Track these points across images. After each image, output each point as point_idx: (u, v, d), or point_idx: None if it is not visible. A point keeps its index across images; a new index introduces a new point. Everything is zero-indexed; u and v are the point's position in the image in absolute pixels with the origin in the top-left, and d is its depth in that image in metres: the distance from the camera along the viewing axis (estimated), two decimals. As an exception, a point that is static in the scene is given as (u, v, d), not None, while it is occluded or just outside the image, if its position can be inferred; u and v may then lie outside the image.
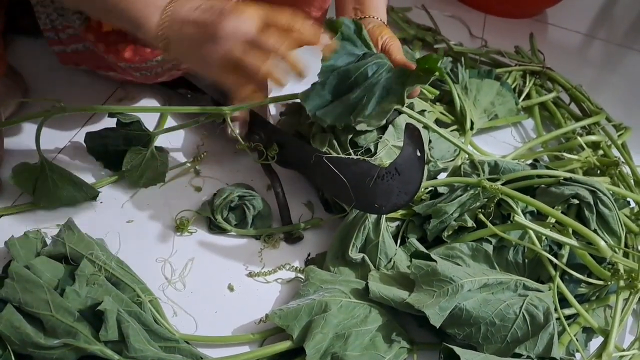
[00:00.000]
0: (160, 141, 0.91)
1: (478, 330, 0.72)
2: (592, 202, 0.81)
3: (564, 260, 0.81)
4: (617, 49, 1.72)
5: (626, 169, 1.08)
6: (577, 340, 0.79)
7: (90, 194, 0.86)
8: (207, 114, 0.84)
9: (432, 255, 0.77)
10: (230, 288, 0.82)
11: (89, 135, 0.92)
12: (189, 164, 0.96)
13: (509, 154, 1.09)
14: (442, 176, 1.00)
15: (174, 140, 0.98)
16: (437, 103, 1.14)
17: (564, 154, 1.07)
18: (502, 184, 0.85)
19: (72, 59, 0.97)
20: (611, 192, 0.87)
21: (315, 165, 0.82)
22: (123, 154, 0.88)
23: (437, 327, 0.71)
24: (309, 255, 0.88)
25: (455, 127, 1.10)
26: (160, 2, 0.67)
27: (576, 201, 0.82)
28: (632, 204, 1.01)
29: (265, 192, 0.94)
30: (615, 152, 1.14)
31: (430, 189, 0.92)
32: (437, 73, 0.73)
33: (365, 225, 0.82)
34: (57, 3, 0.87)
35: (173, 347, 0.70)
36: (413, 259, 0.78)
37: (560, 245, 0.82)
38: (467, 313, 0.72)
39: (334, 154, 0.85)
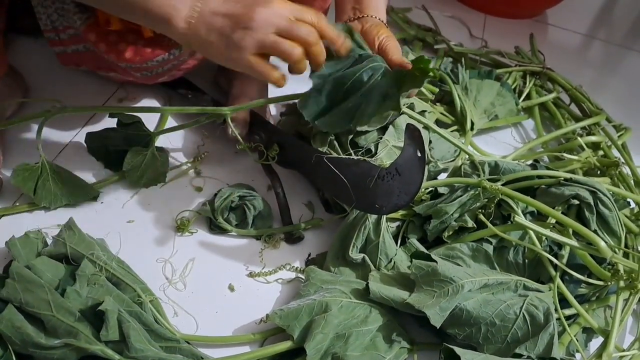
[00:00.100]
0: (160, 141, 0.91)
1: (478, 330, 0.72)
2: (592, 203, 0.81)
3: (564, 260, 0.81)
4: (617, 50, 1.72)
5: (626, 170, 1.08)
6: (577, 341, 0.79)
7: (90, 194, 0.86)
8: (207, 114, 0.84)
9: (433, 256, 0.77)
10: (231, 288, 0.82)
11: (89, 136, 0.92)
12: (189, 164, 0.96)
13: (509, 155, 1.09)
14: (443, 176, 1.00)
15: (174, 141, 0.98)
16: (438, 103, 1.14)
17: (564, 154, 1.07)
18: (503, 185, 0.85)
19: (73, 60, 0.98)
20: (611, 192, 0.87)
21: (315, 165, 0.82)
22: (124, 154, 0.88)
23: (438, 328, 0.71)
24: (309, 255, 0.88)
25: (455, 127, 1.10)
26: None
27: (576, 202, 0.82)
28: (632, 205, 1.01)
29: (266, 193, 0.94)
30: (615, 152, 1.14)
31: (430, 189, 0.92)
32: (431, 74, 0.73)
33: (365, 226, 0.82)
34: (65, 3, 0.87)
35: (174, 347, 0.70)
36: (413, 260, 0.78)
37: (560, 245, 0.82)
38: (467, 313, 0.72)
39: (335, 154, 0.85)
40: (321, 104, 0.80)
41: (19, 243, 0.72)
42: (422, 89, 1.09)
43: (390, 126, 0.89)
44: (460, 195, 0.86)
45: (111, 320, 0.65)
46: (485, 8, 1.65)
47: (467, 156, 0.99)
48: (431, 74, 0.72)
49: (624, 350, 0.82)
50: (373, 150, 0.87)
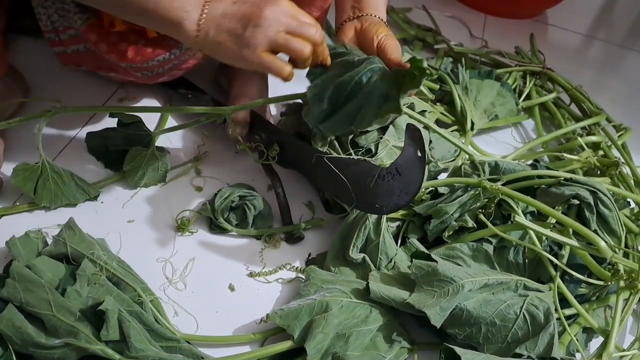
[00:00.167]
0: (161, 141, 0.91)
1: (479, 330, 0.72)
2: (592, 203, 0.81)
3: (564, 260, 0.81)
4: (617, 50, 1.72)
5: (626, 170, 1.08)
6: (577, 341, 0.79)
7: (91, 194, 0.86)
8: (208, 114, 0.84)
9: (433, 256, 0.77)
10: (231, 288, 0.82)
11: (89, 135, 0.92)
12: (189, 164, 0.96)
13: (509, 155, 1.09)
14: (443, 176, 1.00)
15: (174, 140, 0.98)
16: (438, 103, 1.14)
17: (564, 154, 1.07)
18: (503, 185, 0.85)
19: (73, 60, 0.98)
20: (611, 192, 0.87)
21: (316, 165, 0.82)
22: (124, 154, 0.88)
23: (438, 327, 0.71)
24: (309, 255, 0.88)
25: (455, 127, 1.10)
26: (195, 0, 0.70)
27: (576, 201, 0.82)
28: (632, 205, 1.01)
29: (266, 192, 0.94)
30: (615, 152, 1.14)
31: (430, 189, 0.92)
32: (427, 71, 0.73)
33: (365, 226, 0.82)
34: (69, 5, 0.88)
35: (174, 346, 0.70)
36: (414, 259, 0.78)
37: (560, 245, 0.82)
38: (467, 313, 0.72)
39: (335, 154, 0.85)
40: (324, 110, 0.80)
41: (19, 243, 0.72)
42: (423, 88, 1.09)
43: (391, 126, 0.89)
44: (461, 195, 0.86)
45: (111, 320, 0.65)
46: (486, 8, 1.65)
47: (467, 156, 0.99)
48: (428, 71, 0.72)
49: (624, 350, 0.82)
50: (373, 150, 0.87)
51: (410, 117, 0.84)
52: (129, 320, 0.66)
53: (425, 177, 0.82)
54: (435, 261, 0.75)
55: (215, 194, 0.88)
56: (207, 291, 0.81)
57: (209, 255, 0.85)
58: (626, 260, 0.79)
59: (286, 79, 0.72)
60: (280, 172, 0.92)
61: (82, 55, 0.96)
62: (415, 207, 0.88)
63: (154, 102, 1.05)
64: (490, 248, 0.83)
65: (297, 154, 0.89)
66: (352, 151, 0.86)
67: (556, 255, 0.81)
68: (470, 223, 0.84)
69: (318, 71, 0.79)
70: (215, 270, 0.83)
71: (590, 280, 0.81)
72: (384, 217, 0.82)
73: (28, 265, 0.69)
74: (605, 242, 0.75)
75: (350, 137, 0.88)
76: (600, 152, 1.14)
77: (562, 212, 0.82)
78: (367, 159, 0.82)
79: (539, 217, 0.85)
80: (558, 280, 0.79)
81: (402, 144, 0.78)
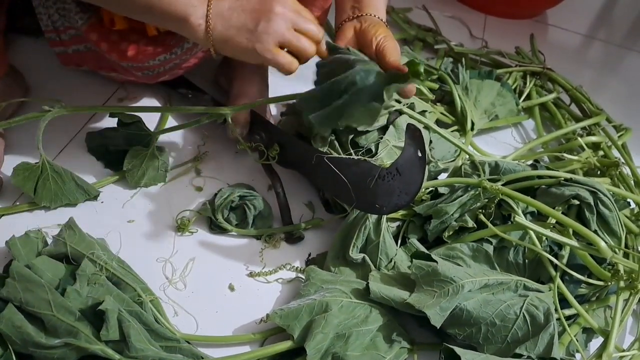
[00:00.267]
0: (161, 141, 0.91)
1: (479, 330, 0.72)
2: (592, 203, 0.81)
3: (564, 260, 0.81)
4: (617, 50, 1.72)
5: (626, 170, 1.08)
6: (577, 341, 0.79)
7: (91, 194, 0.86)
8: (208, 114, 0.84)
9: (433, 256, 0.77)
10: (231, 288, 0.82)
11: (89, 135, 0.93)
12: (189, 164, 0.96)
13: (509, 155, 1.09)
14: (443, 176, 1.00)
15: (174, 140, 0.98)
16: (438, 104, 1.14)
17: (565, 154, 1.07)
18: (503, 185, 0.85)
19: (74, 60, 0.97)
20: (611, 192, 0.87)
21: (316, 165, 0.82)
22: (124, 154, 0.88)
23: (438, 328, 0.71)
24: (309, 255, 0.88)
25: (455, 127, 1.10)
26: None
27: (576, 202, 0.82)
28: (633, 205, 1.01)
29: (266, 192, 0.94)
30: (615, 152, 1.14)
31: (430, 189, 0.92)
32: (421, 78, 0.72)
33: (366, 226, 0.82)
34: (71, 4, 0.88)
35: (174, 346, 0.70)
36: (414, 260, 0.78)
37: (560, 245, 0.82)
38: (467, 313, 0.72)
39: (335, 154, 0.85)
40: (316, 105, 0.79)
41: (19, 242, 0.72)
42: (423, 88, 1.09)
43: (391, 126, 0.89)
44: (461, 195, 0.86)
45: (111, 320, 0.65)
46: (486, 8, 1.65)
47: (467, 156, 0.99)
48: (421, 78, 0.72)
49: (623, 351, 0.82)
50: (373, 150, 0.88)
51: (411, 117, 0.84)
52: (129, 320, 0.66)
53: (426, 177, 0.82)
54: (435, 261, 0.75)
55: (215, 194, 0.88)
56: (207, 291, 0.81)
57: (209, 255, 0.85)
58: (626, 261, 0.79)
59: (290, 73, 0.74)
60: (280, 172, 0.92)
61: (82, 55, 0.96)
62: (415, 207, 0.88)
63: (154, 102, 1.05)
64: (490, 248, 0.83)
65: (297, 154, 0.89)
66: (352, 151, 0.86)
67: (556, 256, 0.81)
68: (470, 223, 0.84)
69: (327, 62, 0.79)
70: (215, 270, 0.83)
71: (590, 281, 0.81)
72: (384, 217, 0.82)
73: (28, 265, 0.69)
74: (605, 242, 0.75)
75: (351, 137, 0.87)
76: (601, 153, 1.14)
77: (562, 213, 0.82)
78: (367, 159, 0.82)
79: (539, 217, 0.85)
80: (558, 280, 0.79)
81: (402, 144, 0.78)
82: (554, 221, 0.81)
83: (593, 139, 1.13)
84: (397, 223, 0.90)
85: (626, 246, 0.91)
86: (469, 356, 0.69)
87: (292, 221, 0.90)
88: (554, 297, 0.77)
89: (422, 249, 0.85)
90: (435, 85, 1.13)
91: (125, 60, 0.86)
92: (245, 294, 0.82)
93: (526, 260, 0.83)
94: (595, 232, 0.80)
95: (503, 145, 1.17)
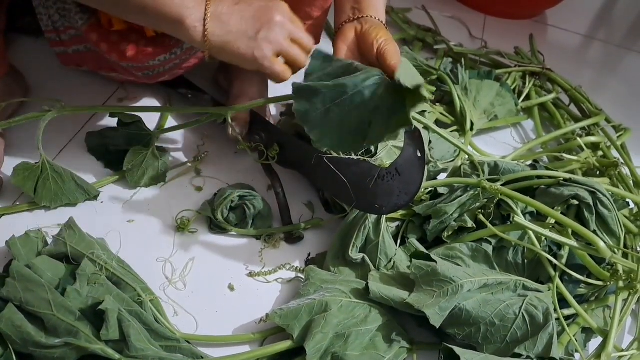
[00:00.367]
0: (161, 141, 0.91)
1: (478, 330, 0.73)
2: (591, 203, 0.81)
3: (564, 260, 0.81)
4: (617, 50, 1.72)
5: (625, 170, 1.08)
6: (576, 341, 0.79)
7: (91, 194, 0.86)
8: (208, 114, 0.84)
9: (432, 256, 0.78)
10: (231, 288, 0.82)
11: (89, 135, 0.93)
12: (189, 164, 0.96)
13: (508, 155, 1.09)
14: (442, 177, 1.00)
15: (174, 140, 0.98)
16: (437, 104, 1.14)
17: (564, 154, 1.08)
18: (502, 185, 0.85)
19: (74, 60, 0.98)
20: (610, 193, 0.87)
21: (315, 165, 0.82)
22: (124, 154, 0.88)
23: (437, 327, 0.71)
24: (309, 255, 0.88)
25: (455, 127, 1.10)
26: None
27: (576, 202, 0.82)
28: (632, 205, 1.01)
29: (266, 192, 0.94)
30: (614, 153, 1.14)
31: (430, 189, 0.92)
32: (424, 100, 0.71)
33: (365, 226, 0.83)
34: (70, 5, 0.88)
35: (174, 346, 0.70)
36: (413, 259, 0.78)
37: (559, 245, 0.82)
38: (467, 313, 0.72)
39: (335, 154, 0.85)
40: (316, 110, 0.75)
41: (19, 242, 0.72)
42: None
43: (390, 126, 0.89)
44: (460, 196, 0.86)
45: (111, 320, 0.65)
46: (485, 8, 1.65)
47: (466, 156, 0.99)
48: (424, 100, 0.70)
49: (622, 351, 0.82)
50: (373, 150, 0.88)
51: (410, 117, 0.84)
52: (129, 320, 0.66)
53: (425, 177, 0.82)
54: (435, 261, 0.75)
55: (215, 194, 0.88)
56: (207, 291, 0.81)
57: (208, 255, 0.85)
58: (625, 261, 0.80)
59: (283, 82, 0.75)
60: (280, 172, 0.92)
61: (83, 55, 0.96)
62: (414, 207, 0.88)
63: (154, 102, 1.05)
64: (489, 248, 0.83)
65: (297, 154, 0.89)
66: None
67: (555, 256, 0.81)
68: (470, 223, 0.84)
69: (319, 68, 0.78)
70: (215, 270, 0.83)
71: (589, 281, 0.81)
72: (384, 217, 0.82)
73: (28, 264, 0.69)
74: (605, 242, 0.75)
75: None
76: (600, 153, 1.14)
77: (562, 213, 0.82)
78: (367, 159, 0.82)
79: (538, 217, 0.86)
80: (557, 280, 0.79)
81: (401, 144, 0.78)
82: (553, 221, 0.81)
83: (592, 139, 1.13)
84: (397, 223, 0.90)
85: (625, 246, 0.91)
86: (468, 356, 0.69)
87: (291, 221, 0.90)
88: (553, 297, 0.77)
89: (422, 249, 0.85)
90: (432, 88, 1.14)
91: (125, 60, 0.86)
92: (245, 293, 0.82)
93: (525, 260, 0.83)
94: (594, 232, 0.80)
95: (502, 145, 1.17)
